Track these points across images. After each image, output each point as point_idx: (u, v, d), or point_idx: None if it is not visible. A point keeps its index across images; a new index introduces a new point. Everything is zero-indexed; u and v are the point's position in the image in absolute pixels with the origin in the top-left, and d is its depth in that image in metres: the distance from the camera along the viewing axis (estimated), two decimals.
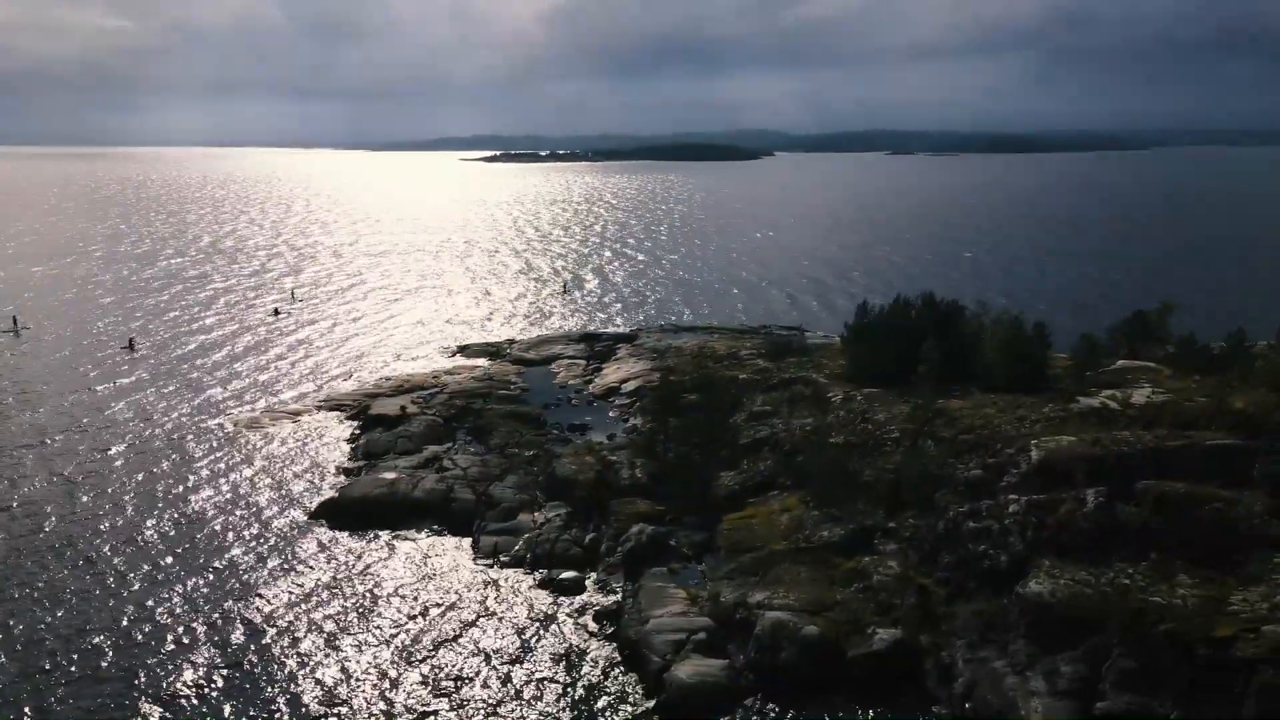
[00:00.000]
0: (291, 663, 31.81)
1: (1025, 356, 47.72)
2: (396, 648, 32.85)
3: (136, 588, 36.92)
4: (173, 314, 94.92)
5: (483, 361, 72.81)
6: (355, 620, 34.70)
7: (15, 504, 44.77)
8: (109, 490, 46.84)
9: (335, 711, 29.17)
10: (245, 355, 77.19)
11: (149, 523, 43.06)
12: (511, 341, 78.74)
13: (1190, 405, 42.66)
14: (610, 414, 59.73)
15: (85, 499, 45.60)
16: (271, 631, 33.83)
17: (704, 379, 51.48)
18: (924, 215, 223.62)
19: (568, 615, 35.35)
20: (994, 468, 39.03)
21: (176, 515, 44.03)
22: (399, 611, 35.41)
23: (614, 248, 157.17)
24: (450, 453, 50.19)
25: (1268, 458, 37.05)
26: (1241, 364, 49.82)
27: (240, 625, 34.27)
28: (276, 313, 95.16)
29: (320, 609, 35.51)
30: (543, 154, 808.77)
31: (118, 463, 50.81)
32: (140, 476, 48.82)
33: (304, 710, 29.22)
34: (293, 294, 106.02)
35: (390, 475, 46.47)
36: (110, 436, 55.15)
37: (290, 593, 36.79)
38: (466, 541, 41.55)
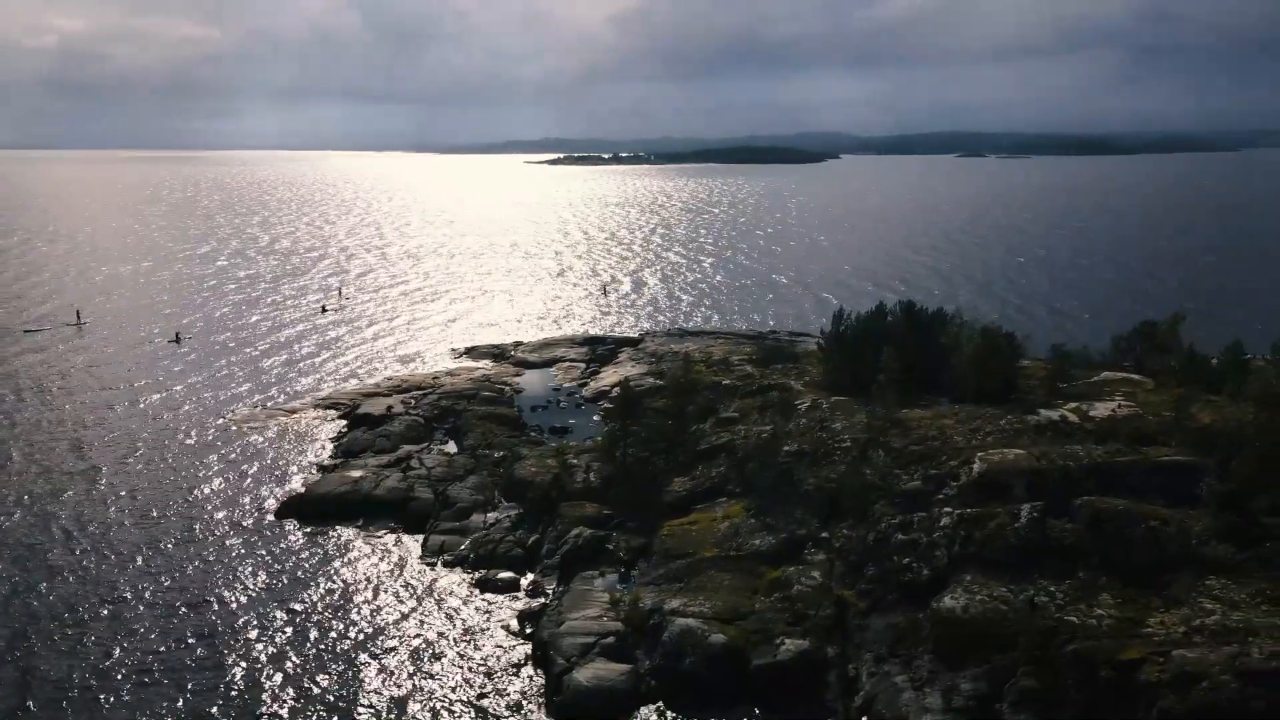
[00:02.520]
0: (199, 652, 32.92)
1: (995, 366, 46.75)
2: (310, 641, 33.77)
3: (92, 569, 38.68)
4: (225, 310, 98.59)
5: (486, 363, 73.98)
6: (278, 612, 35.75)
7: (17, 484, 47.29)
8: (95, 475, 49.00)
9: (225, 698, 30.22)
10: (279, 352, 79.75)
11: (121, 509, 44.99)
12: (518, 344, 79.68)
13: (1152, 420, 41.31)
14: (595, 417, 60.13)
15: (76, 482, 47.81)
16: (189, 616, 35.08)
17: (676, 385, 51.57)
18: (981, 219, 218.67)
19: (494, 615, 35.92)
20: (935, 479, 38.33)
21: (150, 503, 45.89)
22: (324, 606, 36.38)
23: (660, 251, 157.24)
24: (421, 453, 51.22)
25: (1214, 476, 35.74)
26: (1234, 377, 48.08)
27: (169, 609, 35.64)
28: (324, 310, 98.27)
29: (247, 600, 36.67)
30: (605, 157, 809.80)
31: (113, 449, 53.14)
32: (129, 466, 50.95)
33: (190, 697, 30.32)
34: (340, 293, 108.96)
35: (356, 473, 47.70)
36: (120, 425, 57.69)
37: (227, 583, 38.04)
38: (418, 539, 42.40)
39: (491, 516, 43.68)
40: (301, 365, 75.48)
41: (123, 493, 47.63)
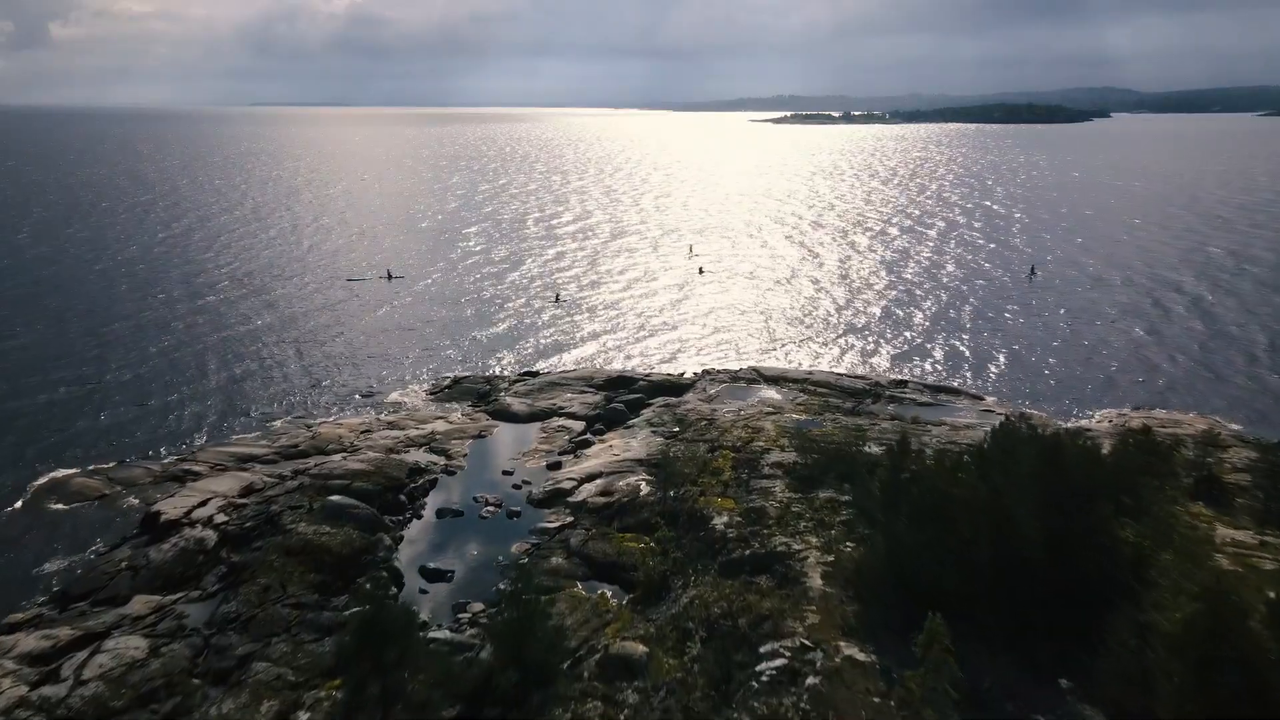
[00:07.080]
0: None
1: None
2: None
3: None
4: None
5: (453, 407, 52.23)
6: None
7: None
8: None
9: None
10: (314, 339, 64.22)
11: None
12: (511, 381, 56.73)
13: None
14: (525, 541, 36.76)
15: None
16: None
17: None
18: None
19: None
20: None
21: None
22: None
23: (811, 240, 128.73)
24: (125, 629, 29.87)
25: None
26: None
27: None
28: (389, 277, 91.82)
29: None
30: (835, 115, 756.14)
31: None
32: None
33: None
34: (389, 274, 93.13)
35: None
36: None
37: None
38: None
39: None
40: (329, 365, 57.57)
41: None
